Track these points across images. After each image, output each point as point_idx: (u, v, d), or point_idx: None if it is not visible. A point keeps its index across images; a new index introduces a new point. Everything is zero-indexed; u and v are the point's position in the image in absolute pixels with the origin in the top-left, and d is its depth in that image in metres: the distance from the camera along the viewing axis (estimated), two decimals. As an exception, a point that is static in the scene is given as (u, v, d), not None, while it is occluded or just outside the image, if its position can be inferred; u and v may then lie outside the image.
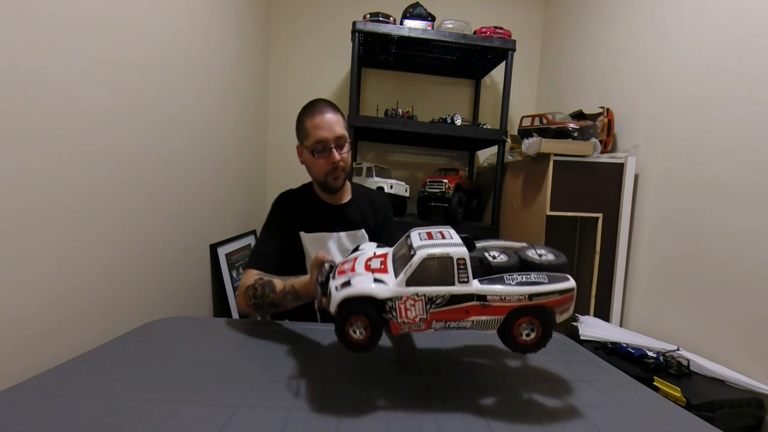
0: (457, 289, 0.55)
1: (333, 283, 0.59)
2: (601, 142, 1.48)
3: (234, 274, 1.59)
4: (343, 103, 2.16)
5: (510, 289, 0.55)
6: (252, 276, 0.92)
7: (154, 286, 1.10)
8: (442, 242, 0.57)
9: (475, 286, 0.55)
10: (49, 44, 0.72)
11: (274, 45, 2.14)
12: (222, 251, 1.52)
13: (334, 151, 0.97)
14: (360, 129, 1.78)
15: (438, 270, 0.55)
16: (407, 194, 1.87)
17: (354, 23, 1.68)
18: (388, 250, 0.68)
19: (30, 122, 0.69)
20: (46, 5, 0.71)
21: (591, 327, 1.27)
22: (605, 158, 1.45)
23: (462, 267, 0.55)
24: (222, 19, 1.50)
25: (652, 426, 0.59)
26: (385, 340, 0.89)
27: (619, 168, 1.44)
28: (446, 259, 0.55)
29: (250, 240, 1.87)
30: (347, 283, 0.57)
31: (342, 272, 0.62)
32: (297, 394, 0.62)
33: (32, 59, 0.69)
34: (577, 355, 0.87)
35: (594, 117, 1.58)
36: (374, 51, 1.96)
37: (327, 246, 1.05)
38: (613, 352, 1.13)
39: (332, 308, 0.56)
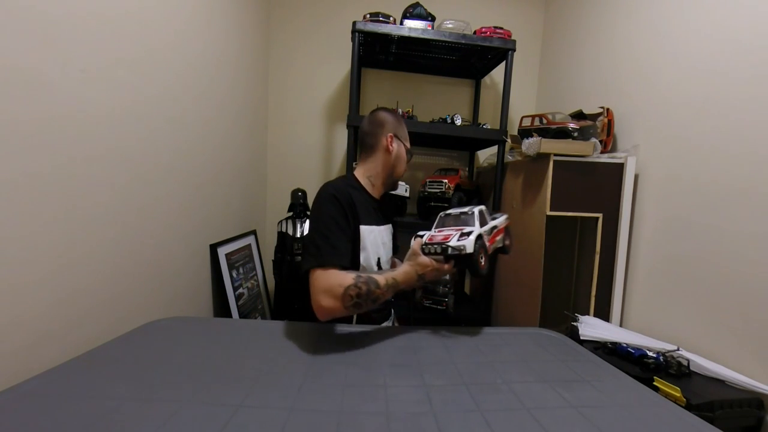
0: (493, 223, 1.02)
1: (454, 239, 0.88)
2: (601, 142, 1.47)
3: (234, 274, 1.59)
4: (343, 103, 2.17)
5: (502, 219, 1.09)
6: (345, 275, 0.88)
7: (154, 286, 1.10)
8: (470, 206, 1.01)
9: (495, 222, 1.04)
10: (48, 44, 0.72)
11: (274, 45, 2.14)
12: (222, 251, 1.52)
13: None
14: (360, 129, 1.78)
15: (483, 216, 0.99)
16: (407, 194, 1.87)
17: (354, 23, 1.67)
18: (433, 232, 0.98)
19: (29, 123, 0.69)
20: (45, 5, 0.71)
21: (591, 327, 1.27)
22: (605, 158, 1.45)
23: (489, 213, 1.04)
24: (222, 19, 1.50)
25: (652, 426, 0.59)
26: (386, 340, 0.89)
27: (619, 168, 1.44)
28: (484, 211, 1.01)
29: (250, 240, 1.87)
30: (465, 234, 0.88)
31: (446, 237, 0.90)
32: (297, 394, 0.62)
33: (31, 59, 0.69)
34: (577, 355, 0.87)
35: (594, 117, 1.58)
36: (374, 51, 1.96)
37: (377, 238, 1.10)
38: (613, 352, 1.13)
39: (469, 248, 0.84)
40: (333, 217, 0.97)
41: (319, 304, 0.86)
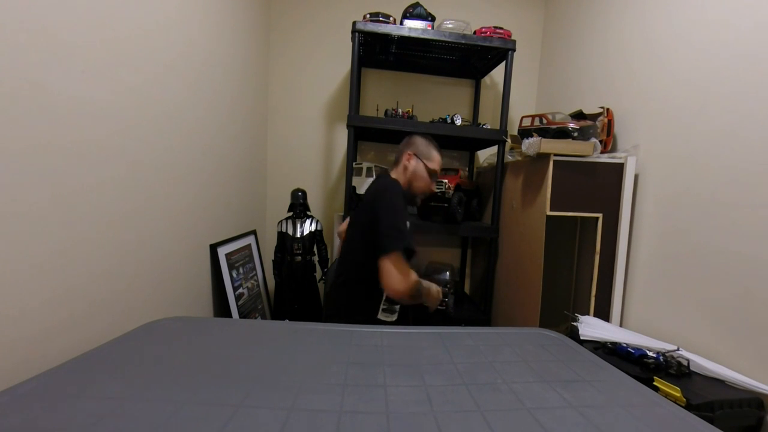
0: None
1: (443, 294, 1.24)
2: (601, 142, 1.47)
3: (234, 274, 1.59)
4: (343, 103, 2.17)
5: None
6: (413, 273, 1.05)
7: (154, 286, 1.10)
8: None
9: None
10: (49, 44, 0.72)
11: (274, 45, 2.14)
12: (222, 251, 1.52)
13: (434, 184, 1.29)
14: (360, 129, 1.78)
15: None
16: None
17: (354, 23, 1.67)
18: None
19: (30, 122, 0.69)
20: (45, 5, 0.71)
21: (591, 327, 1.27)
22: (605, 158, 1.45)
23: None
24: (221, 18, 1.50)
25: (652, 426, 0.59)
26: (386, 340, 0.89)
27: (619, 168, 1.44)
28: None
29: (250, 240, 1.87)
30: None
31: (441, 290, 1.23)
32: (297, 394, 0.62)
33: (32, 59, 0.69)
34: (577, 355, 0.87)
35: (594, 117, 1.58)
36: (374, 51, 1.96)
37: None
38: (613, 352, 1.13)
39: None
40: (401, 208, 1.10)
41: (396, 284, 1.00)
